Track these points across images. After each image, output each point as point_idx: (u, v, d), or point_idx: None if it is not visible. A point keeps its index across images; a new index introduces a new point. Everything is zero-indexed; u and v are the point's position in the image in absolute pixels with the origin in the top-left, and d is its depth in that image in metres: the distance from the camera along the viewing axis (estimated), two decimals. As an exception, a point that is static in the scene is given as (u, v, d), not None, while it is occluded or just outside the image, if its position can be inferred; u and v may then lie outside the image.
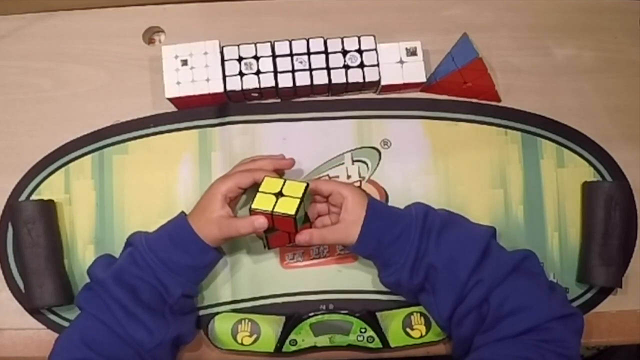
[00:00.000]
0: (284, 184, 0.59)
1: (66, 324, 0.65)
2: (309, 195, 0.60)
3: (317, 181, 0.62)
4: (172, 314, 0.60)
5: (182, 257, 0.59)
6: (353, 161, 0.69)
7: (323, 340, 0.64)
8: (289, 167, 0.66)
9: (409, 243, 0.59)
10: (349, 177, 0.69)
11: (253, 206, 0.58)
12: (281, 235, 0.61)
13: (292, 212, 0.57)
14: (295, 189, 0.59)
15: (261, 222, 0.59)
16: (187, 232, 0.59)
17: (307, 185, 0.59)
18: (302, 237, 0.60)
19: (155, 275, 0.58)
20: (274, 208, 0.58)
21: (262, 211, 0.58)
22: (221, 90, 0.66)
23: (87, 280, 0.62)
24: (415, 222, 0.59)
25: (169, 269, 0.59)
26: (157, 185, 0.68)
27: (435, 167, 0.69)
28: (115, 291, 0.57)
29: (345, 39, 0.68)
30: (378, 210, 0.60)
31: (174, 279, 0.59)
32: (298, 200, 0.58)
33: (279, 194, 0.58)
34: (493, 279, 0.56)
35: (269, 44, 0.67)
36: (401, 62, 0.68)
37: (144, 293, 0.58)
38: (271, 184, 0.59)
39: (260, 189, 0.59)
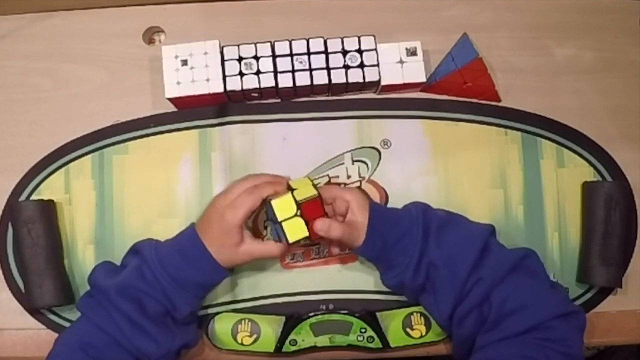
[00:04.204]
0: (292, 193, 0.58)
1: (66, 324, 0.65)
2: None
3: (319, 188, 0.61)
4: (175, 325, 0.60)
5: (195, 276, 0.59)
6: (353, 161, 0.69)
7: (323, 340, 0.64)
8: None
9: (412, 243, 0.59)
10: (349, 177, 0.68)
11: (290, 241, 0.57)
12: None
13: (316, 192, 0.57)
14: (304, 188, 0.58)
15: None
16: (201, 251, 0.59)
17: (309, 178, 0.60)
18: (320, 224, 0.58)
19: (163, 292, 0.58)
20: (305, 220, 0.57)
21: (301, 240, 0.57)
22: (221, 90, 0.66)
23: (87, 281, 0.61)
24: (417, 222, 0.59)
25: (179, 286, 0.58)
26: (157, 185, 0.68)
27: (435, 167, 0.69)
28: (119, 303, 0.56)
29: (345, 39, 0.67)
30: (380, 212, 0.61)
31: (183, 296, 0.58)
32: (311, 183, 0.58)
33: (298, 206, 0.57)
34: (493, 277, 0.56)
35: (269, 44, 0.67)
36: (401, 62, 0.68)
37: (150, 306, 0.58)
38: (283, 206, 0.57)
39: (279, 219, 0.57)
